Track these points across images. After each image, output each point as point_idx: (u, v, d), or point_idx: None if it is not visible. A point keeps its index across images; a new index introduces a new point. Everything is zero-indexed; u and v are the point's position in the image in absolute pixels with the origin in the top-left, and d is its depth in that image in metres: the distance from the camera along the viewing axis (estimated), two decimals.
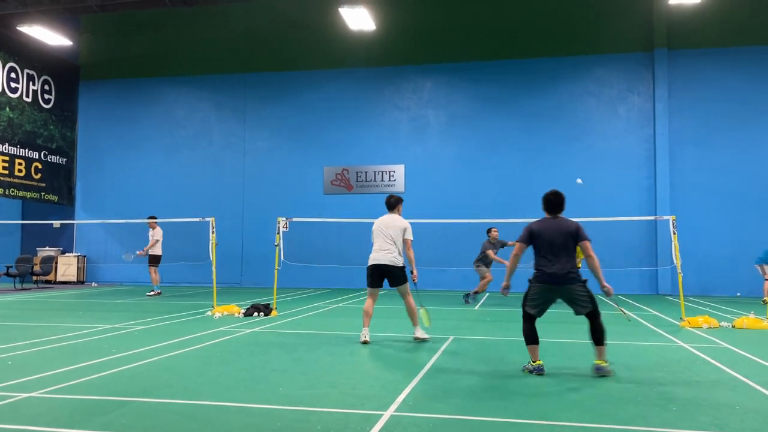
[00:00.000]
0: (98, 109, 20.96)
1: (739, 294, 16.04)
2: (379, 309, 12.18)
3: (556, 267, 5.92)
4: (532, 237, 6.06)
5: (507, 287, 6.29)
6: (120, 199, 20.18)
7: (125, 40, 20.85)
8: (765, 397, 5.06)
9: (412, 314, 7.95)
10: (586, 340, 6.21)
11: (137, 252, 15.48)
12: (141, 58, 20.70)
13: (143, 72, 20.70)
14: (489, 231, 13.75)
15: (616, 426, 4.22)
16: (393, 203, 8.13)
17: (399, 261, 7.80)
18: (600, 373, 5.81)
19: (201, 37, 20.28)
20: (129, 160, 20.54)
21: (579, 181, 14.25)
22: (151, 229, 15.42)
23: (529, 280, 6.13)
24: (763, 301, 15.10)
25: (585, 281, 5.99)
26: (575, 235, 6.02)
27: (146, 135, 20.54)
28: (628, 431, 4.12)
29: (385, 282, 7.86)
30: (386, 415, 4.43)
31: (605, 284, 5.97)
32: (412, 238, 7.85)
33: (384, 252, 7.76)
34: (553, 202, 6.15)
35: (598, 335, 5.96)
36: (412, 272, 7.88)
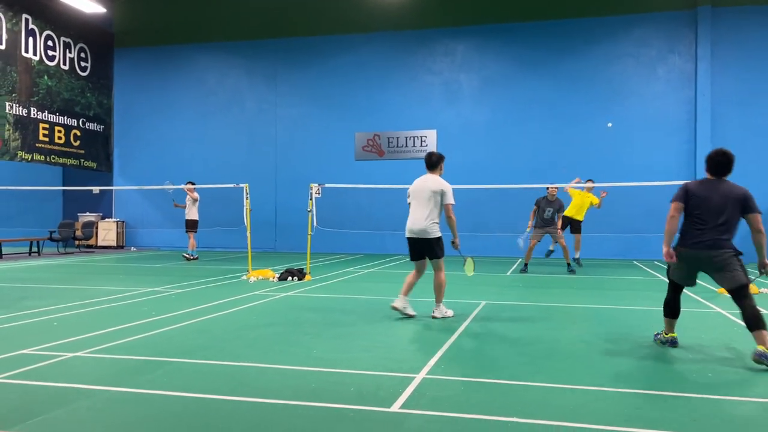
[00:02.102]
0: (133, 76, 21.20)
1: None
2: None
3: (707, 234, 5.27)
4: (687, 197, 5.39)
5: (668, 253, 5.47)
6: (155, 166, 20.52)
7: (158, 6, 20.92)
8: None
9: (438, 290, 7.11)
10: (617, 306, 6.16)
11: (174, 202, 15.84)
12: (173, 25, 20.78)
13: (176, 39, 20.79)
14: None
15: (648, 391, 4.22)
16: (434, 162, 7.14)
17: (433, 231, 6.94)
18: (761, 359, 4.85)
19: (232, 3, 20.22)
20: (163, 126, 20.81)
21: (609, 125, 13.88)
22: (189, 194, 15.72)
23: (676, 247, 5.48)
24: None
25: (740, 253, 5.31)
26: (743, 205, 5.34)
27: (179, 102, 20.74)
28: (661, 397, 4.10)
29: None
30: (418, 378, 4.50)
31: (766, 260, 5.33)
32: (452, 202, 6.96)
33: (416, 220, 6.98)
34: (719, 162, 5.41)
35: (749, 319, 5.07)
36: (453, 241, 7.13)
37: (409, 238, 7.11)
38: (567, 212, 13.23)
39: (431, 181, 7.02)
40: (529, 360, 5.14)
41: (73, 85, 19.53)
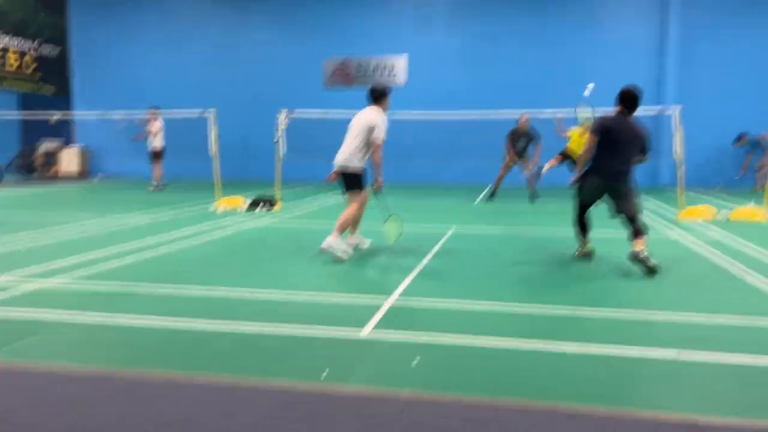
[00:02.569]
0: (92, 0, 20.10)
1: (721, 185, 15.88)
2: (392, 204, 12.35)
3: (617, 165, 5.97)
4: (603, 131, 5.96)
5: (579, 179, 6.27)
6: (118, 90, 19.82)
7: None
8: (758, 287, 5.24)
9: (342, 222, 6.45)
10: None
11: (135, 135, 15.32)
12: None
13: None
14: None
15: (612, 309, 4.42)
16: (376, 95, 6.64)
17: (353, 165, 6.46)
18: (639, 258, 5.68)
19: None
20: (125, 50, 19.96)
21: (590, 85, 13.76)
22: (151, 121, 15.17)
23: (586, 172, 6.17)
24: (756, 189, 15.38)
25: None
26: (643, 144, 6.09)
27: (141, 25, 19.83)
28: (624, 314, 4.31)
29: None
30: (389, 301, 4.63)
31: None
32: (381, 137, 6.42)
33: (341, 152, 6.54)
34: (632, 98, 6.03)
35: (638, 232, 5.83)
36: (375, 180, 6.60)
37: (335, 172, 6.65)
38: (569, 148, 12.78)
39: (366, 114, 6.56)
40: (496, 284, 5.31)
41: (25, 2, 18.42)
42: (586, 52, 17.07)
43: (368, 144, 6.46)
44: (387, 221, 6.94)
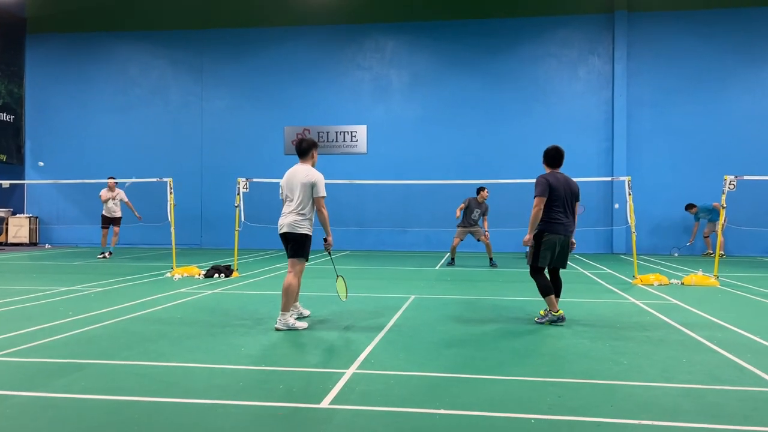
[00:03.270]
0: (47, 65, 20.08)
1: (676, 254, 16.44)
2: (353, 270, 12.26)
3: (568, 219, 6.40)
4: (550, 189, 6.32)
5: (530, 240, 6.48)
6: (72, 159, 19.55)
7: None
8: (709, 350, 5.31)
9: (287, 294, 6.17)
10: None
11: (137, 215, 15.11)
12: (92, 12, 19.81)
13: (95, 26, 19.84)
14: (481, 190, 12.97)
15: (569, 379, 4.39)
16: (304, 149, 6.43)
17: (302, 226, 6.21)
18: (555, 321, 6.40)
19: None
20: (81, 118, 19.83)
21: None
22: (111, 191, 15.02)
23: (544, 234, 6.34)
24: (706, 254, 15.90)
25: None
26: (577, 195, 6.57)
27: (99, 92, 19.81)
28: (581, 384, 4.28)
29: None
30: (348, 373, 4.50)
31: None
32: (323, 195, 6.22)
33: (286, 214, 6.28)
34: (559, 156, 6.51)
35: (560, 286, 6.62)
36: (325, 239, 6.42)
37: (280, 234, 6.36)
38: None
39: (301, 171, 6.31)
40: (456, 352, 5.24)
41: None
42: (540, 124, 17.75)
43: (311, 203, 6.25)
44: (338, 280, 6.78)
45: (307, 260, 6.37)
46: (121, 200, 15.12)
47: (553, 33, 18.04)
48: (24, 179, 19.51)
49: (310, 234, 6.31)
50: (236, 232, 11.27)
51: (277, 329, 6.06)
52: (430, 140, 18.29)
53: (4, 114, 19.24)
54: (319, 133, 18.74)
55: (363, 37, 18.81)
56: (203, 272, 10.68)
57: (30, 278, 10.62)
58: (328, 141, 18.68)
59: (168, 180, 11.76)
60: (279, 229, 6.35)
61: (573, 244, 6.56)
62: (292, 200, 6.27)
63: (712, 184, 15.71)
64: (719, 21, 17.24)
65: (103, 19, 19.77)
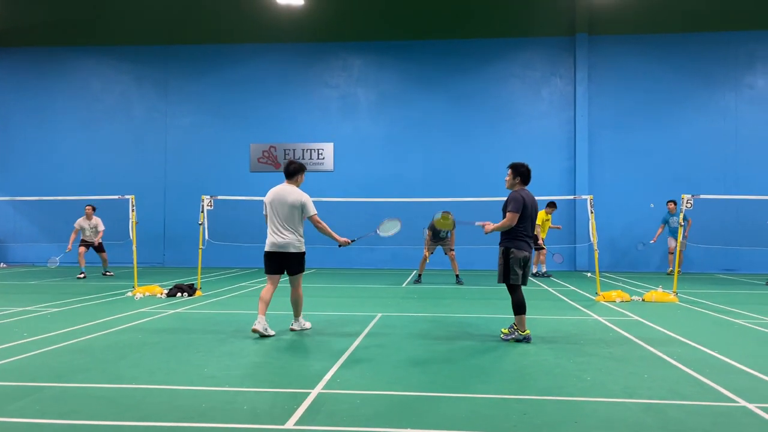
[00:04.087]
0: (7, 79, 19.58)
1: (640, 247, 16.35)
2: (320, 289, 12.17)
3: (530, 235, 6.51)
4: (524, 206, 6.40)
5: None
6: (31, 175, 19.04)
7: (37, 4, 19.49)
8: (670, 365, 5.41)
9: (297, 304, 7.01)
10: (506, 315, 6.43)
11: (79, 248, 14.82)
12: (55, 26, 19.43)
13: (57, 40, 19.46)
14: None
15: (534, 396, 4.41)
16: (291, 171, 6.94)
17: (299, 246, 6.83)
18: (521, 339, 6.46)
19: (121, 4, 19.25)
20: (41, 133, 19.35)
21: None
22: (89, 219, 14.73)
23: (511, 251, 6.38)
24: (669, 272, 16.21)
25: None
26: (537, 210, 6.69)
27: (60, 108, 19.40)
28: (546, 401, 4.31)
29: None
30: (314, 392, 4.44)
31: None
32: (315, 212, 6.84)
33: (280, 234, 6.76)
34: (530, 174, 6.65)
35: (522, 306, 6.52)
36: (339, 241, 6.94)
37: (270, 252, 6.83)
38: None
39: (290, 193, 6.80)
40: (422, 370, 5.22)
41: None
42: (505, 143, 18.00)
43: (301, 222, 6.84)
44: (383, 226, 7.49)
45: (303, 270, 7.01)
46: (95, 228, 14.80)
47: (517, 54, 18.40)
48: None
49: (303, 249, 6.96)
50: (200, 251, 11.10)
51: (292, 329, 7.03)
52: (397, 158, 18.38)
53: None
54: (285, 150, 18.67)
55: (330, 55, 18.89)
56: (166, 291, 10.46)
57: None
58: (294, 158, 18.61)
59: (130, 197, 11.54)
60: (272, 247, 6.80)
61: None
62: (282, 220, 6.77)
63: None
64: (675, 44, 17.82)
65: (65, 33, 19.42)
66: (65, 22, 19.43)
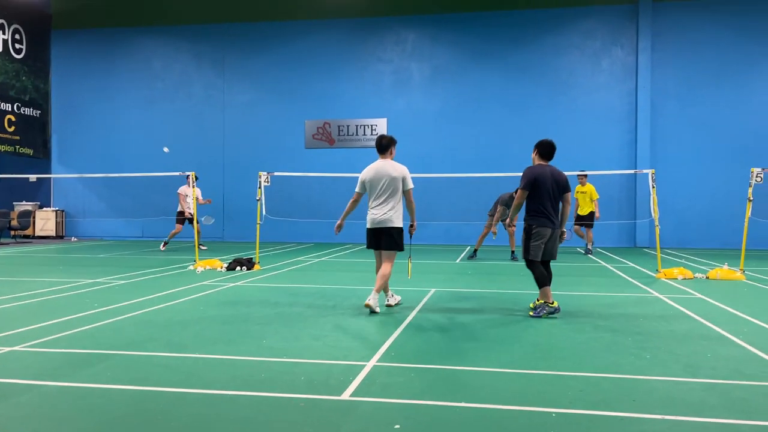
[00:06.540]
0: (72, 60, 20.38)
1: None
2: (367, 263, 12.30)
3: (554, 211, 6.46)
4: (536, 182, 6.40)
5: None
6: (97, 153, 19.85)
7: None
8: (734, 344, 5.23)
9: (385, 278, 6.71)
10: (562, 292, 6.34)
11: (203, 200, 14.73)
12: (116, 7, 20.05)
13: (119, 21, 20.08)
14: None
15: (591, 374, 4.35)
16: (385, 145, 6.73)
17: (398, 220, 6.62)
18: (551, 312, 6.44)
19: None
20: (105, 112, 20.11)
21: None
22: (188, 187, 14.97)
23: (531, 226, 6.42)
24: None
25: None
26: (564, 186, 6.54)
27: (123, 87, 20.07)
28: (603, 378, 4.24)
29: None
30: (369, 365, 4.51)
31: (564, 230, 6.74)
32: (412, 186, 6.67)
33: (379, 210, 6.61)
34: (552, 150, 6.62)
35: (550, 277, 6.58)
36: (412, 225, 6.89)
37: (370, 229, 6.69)
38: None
39: (393, 166, 6.65)
40: (476, 345, 5.23)
41: (7, 68, 18.63)
42: (563, 116, 17.57)
43: (399, 196, 6.65)
44: (409, 262, 7.63)
45: (401, 248, 6.76)
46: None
47: (576, 24, 17.81)
48: (50, 173, 19.85)
49: (401, 225, 6.73)
50: (258, 225, 11.36)
51: (389, 305, 6.95)
52: (451, 133, 18.21)
53: (31, 109, 19.58)
54: (339, 126, 18.78)
55: (384, 30, 18.77)
56: (225, 265, 10.78)
57: (56, 271, 10.82)
58: (348, 134, 18.71)
59: (190, 173, 11.87)
60: (372, 224, 6.68)
61: (563, 234, 6.66)
62: (381, 195, 6.63)
63: (738, 176, 15.45)
64: (744, 11, 16.87)
65: (126, 14, 19.99)
66: (127, 3, 19.97)
